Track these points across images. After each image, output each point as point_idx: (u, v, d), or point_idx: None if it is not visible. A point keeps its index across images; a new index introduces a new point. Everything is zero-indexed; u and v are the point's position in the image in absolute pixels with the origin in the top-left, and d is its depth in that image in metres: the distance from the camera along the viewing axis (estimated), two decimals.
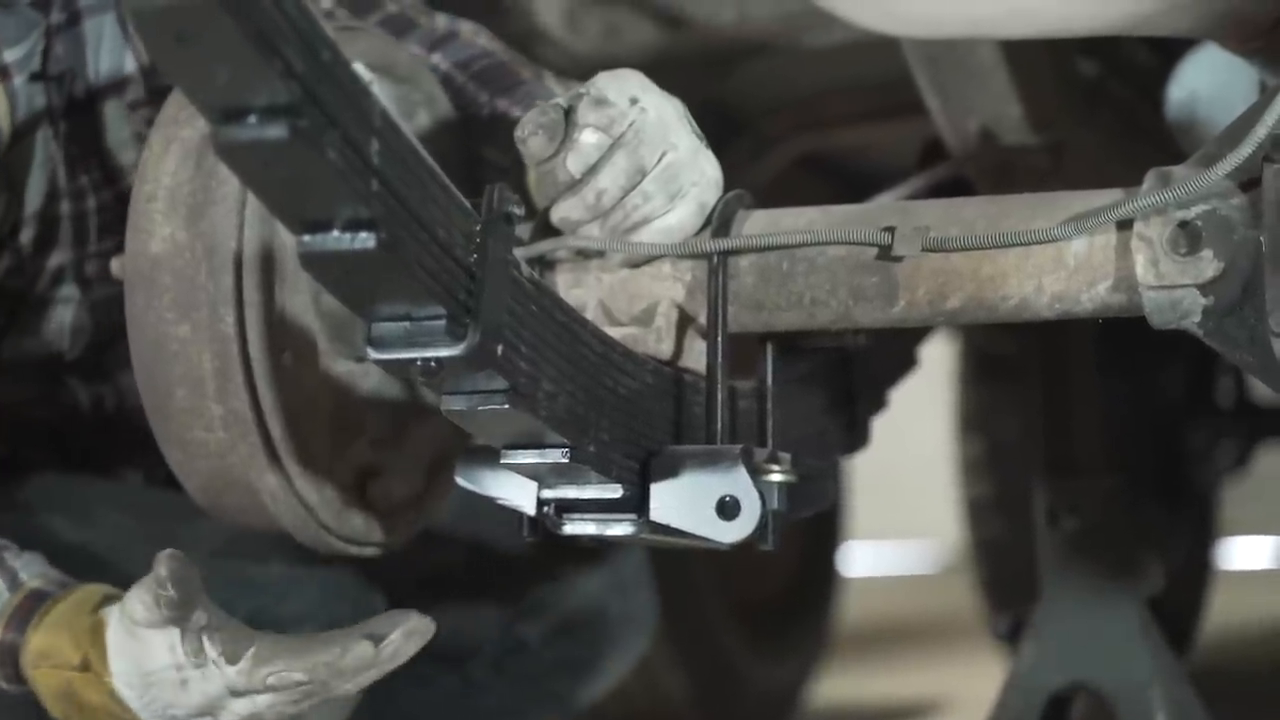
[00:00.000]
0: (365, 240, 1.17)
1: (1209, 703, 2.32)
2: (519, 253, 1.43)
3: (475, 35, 1.86)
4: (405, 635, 1.53)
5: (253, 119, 1.09)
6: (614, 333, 1.56)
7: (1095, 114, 2.22)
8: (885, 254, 1.53)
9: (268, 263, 1.56)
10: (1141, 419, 3.28)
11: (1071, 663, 2.32)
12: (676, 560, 3.08)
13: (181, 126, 1.58)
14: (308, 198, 1.15)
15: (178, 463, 1.60)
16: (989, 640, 3.73)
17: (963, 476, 4.17)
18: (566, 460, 1.40)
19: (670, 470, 1.48)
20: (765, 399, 1.62)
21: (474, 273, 1.28)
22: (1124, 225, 1.47)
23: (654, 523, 1.48)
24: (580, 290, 1.60)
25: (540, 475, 1.46)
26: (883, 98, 2.83)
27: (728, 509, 1.46)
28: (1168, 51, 2.07)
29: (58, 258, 1.83)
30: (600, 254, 1.59)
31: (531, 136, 1.53)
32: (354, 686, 1.55)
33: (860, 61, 2.47)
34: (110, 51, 1.80)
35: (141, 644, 1.55)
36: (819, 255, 1.57)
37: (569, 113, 1.54)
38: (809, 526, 3.75)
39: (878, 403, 1.95)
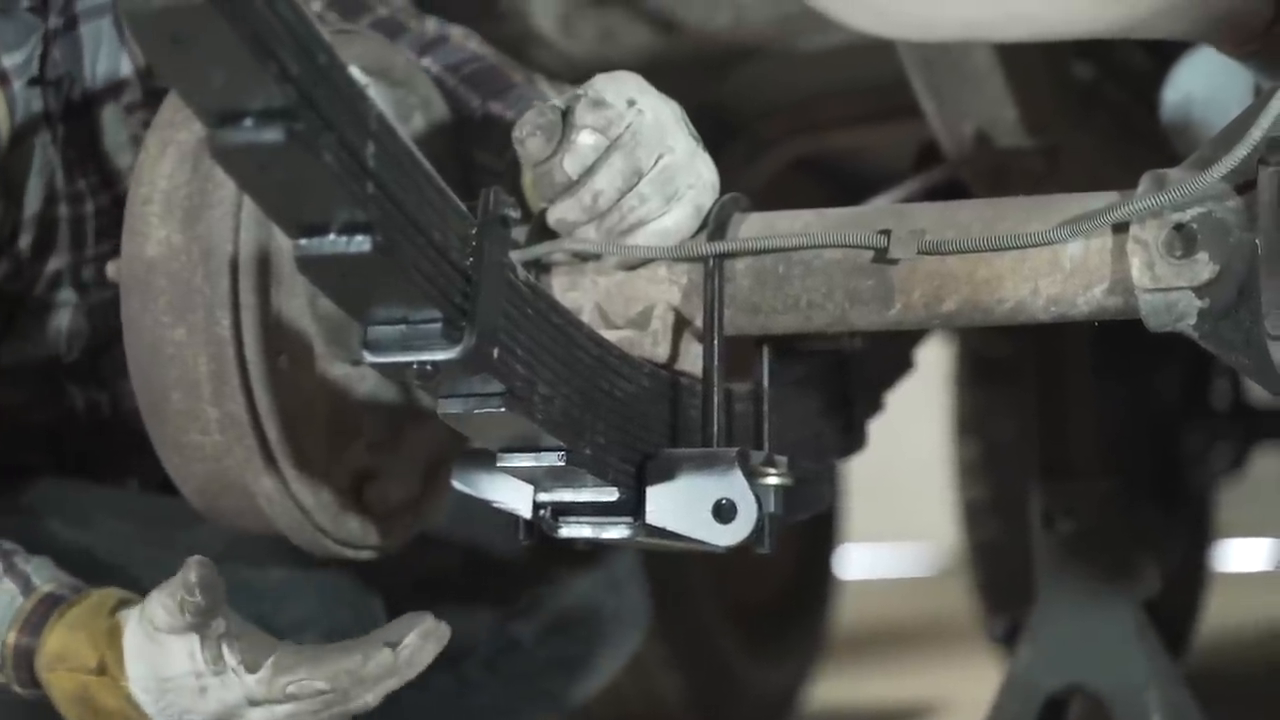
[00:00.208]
0: (361, 243, 1.17)
1: (1205, 705, 2.32)
2: (515, 256, 1.43)
3: (466, 39, 1.86)
4: (421, 637, 1.53)
5: (249, 122, 1.09)
6: (610, 336, 1.56)
7: (1090, 117, 2.22)
8: (881, 257, 1.54)
9: (264, 266, 1.56)
10: (1137, 421, 3.28)
11: (1068, 665, 2.32)
12: (673, 563, 3.08)
13: (177, 129, 1.58)
14: (304, 201, 1.16)
15: (174, 466, 1.60)
16: (985, 643, 3.73)
17: (959, 479, 4.17)
18: (562, 463, 1.40)
19: (666, 473, 1.48)
20: (761, 402, 1.62)
21: (470, 276, 1.28)
22: (1119, 228, 1.47)
23: (650, 526, 1.48)
24: (576, 293, 1.60)
25: (536, 478, 1.46)
26: (878, 101, 2.83)
27: (724, 512, 1.46)
28: (1163, 54, 2.07)
29: (55, 262, 1.83)
30: (596, 257, 1.59)
31: (530, 137, 1.53)
32: (373, 698, 1.55)
33: (855, 64, 2.47)
34: (107, 55, 1.80)
35: (160, 649, 1.55)
36: (815, 258, 1.57)
37: (567, 114, 1.54)
38: (805, 529, 3.75)
39: (874, 405, 1.95)
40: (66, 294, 1.85)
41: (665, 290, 1.60)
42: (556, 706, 2.26)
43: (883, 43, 1.90)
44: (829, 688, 4.11)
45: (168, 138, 1.58)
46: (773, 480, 1.50)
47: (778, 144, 3.08)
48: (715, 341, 1.54)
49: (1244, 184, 1.44)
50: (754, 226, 1.61)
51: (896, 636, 5.35)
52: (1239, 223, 1.44)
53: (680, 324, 1.60)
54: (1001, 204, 1.56)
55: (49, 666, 1.60)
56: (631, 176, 1.54)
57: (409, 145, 1.23)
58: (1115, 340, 2.28)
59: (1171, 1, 1.57)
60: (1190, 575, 3.96)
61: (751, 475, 1.47)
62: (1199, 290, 1.45)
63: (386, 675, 1.53)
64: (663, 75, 1.63)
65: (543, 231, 1.60)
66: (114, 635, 1.58)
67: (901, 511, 6.52)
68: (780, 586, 3.89)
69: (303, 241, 1.18)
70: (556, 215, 1.57)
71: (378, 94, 1.69)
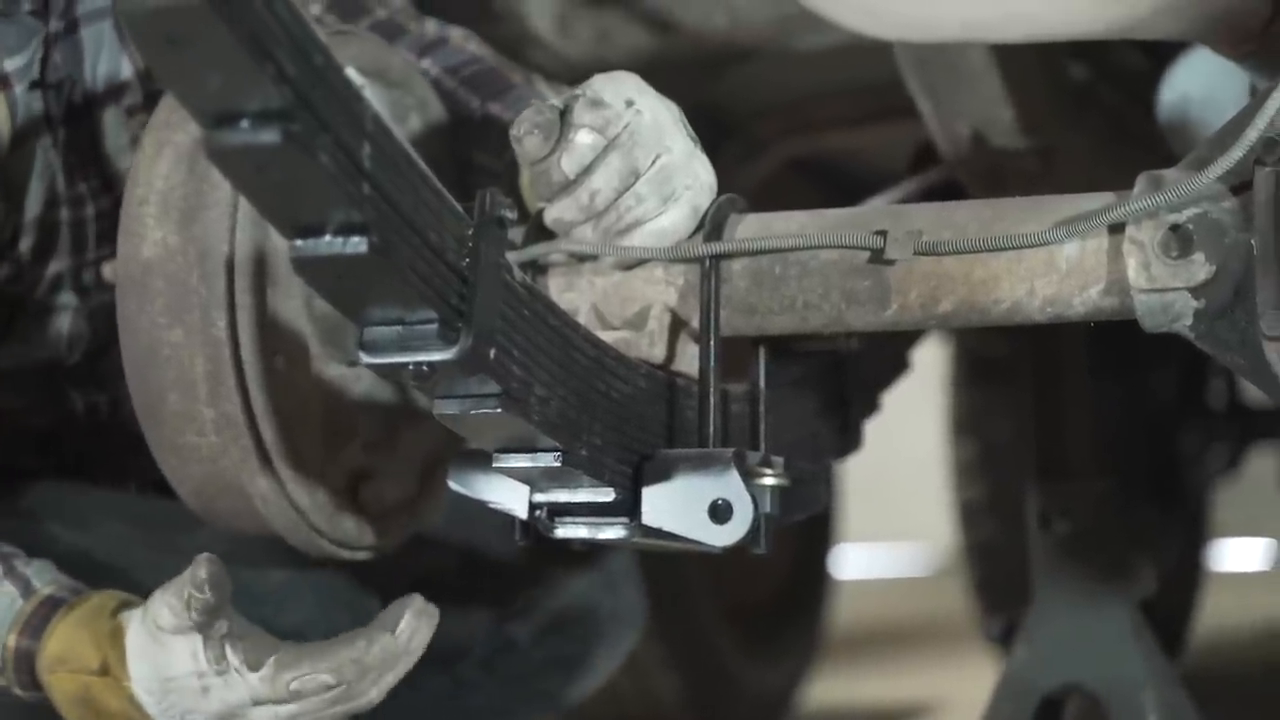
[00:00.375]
0: (357, 244, 1.17)
1: (1201, 704, 2.32)
2: (511, 257, 1.43)
3: (465, 41, 1.86)
4: (416, 617, 1.54)
5: (245, 123, 1.09)
6: (606, 336, 1.56)
7: (1086, 117, 2.22)
8: (877, 258, 1.54)
9: (260, 267, 1.56)
10: (1133, 422, 3.28)
11: (1064, 665, 2.32)
12: (669, 563, 3.09)
13: (174, 130, 1.58)
14: (300, 202, 1.15)
15: (170, 467, 1.60)
16: (981, 643, 3.73)
17: (955, 479, 4.17)
18: (559, 464, 1.40)
19: (663, 474, 1.48)
20: (758, 403, 1.62)
21: (466, 277, 1.28)
22: (1115, 229, 1.47)
23: (646, 526, 1.48)
24: (573, 294, 1.60)
25: (532, 479, 1.46)
26: (874, 101, 2.83)
27: (720, 513, 1.46)
28: (1159, 55, 2.07)
29: (56, 265, 1.82)
30: (593, 257, 1.59)
31: (527, 135, 1.53)
32: (377, 693, 1.56)
33: (851, 65, 2.46)
34: (108, 57, 1.80)
35: (163, 649, 1.55)
36: (811, 259, 1.57)
37: (565, 113, 1.54)
38: (802, 530, 3.75)
39: (870, 406, 1.95)
40: (67, 297, 1.84)
41: (662, 291, 1.60)
42: (553, 706, 2.26)
43: (878, 43, 1.90)
44: (825, 688, 4.11)
45: (164, 139, 1.58)
46: (769, 481, 1.50)
47: (774, 144, 3.08)
48: (711, 342, 1.54)
49: (1240, 184, 1.44)
50: (750, 227, 1.61)
51: (893, 636, 5.35)
52: (1235, 223, 1.44)
53: (677, 325, 1.60)
54: (998, 205, 1.56)
55: (50, 668, 1.60)
56: (629, 176, 1.54)
57: (405, 146, 1.23)
58: (1111, 341, 2.28)
59: (1168, 2, 1.57)
60: (1186, 575, 3.96)
61: (748, 476, 1.47)
62: (1195, 291, 1.45)
63: (390, 662, 1.53)
64: (658, 76, 1.63)
65: (539, 232, 1.60)
66: (116, 636, 1.58)
67: (898, 512, 6.52)
68: (777, 587, 3.89)
69: (299, 242, 1.18)
70: (553, 215, 1.57)
71: (374, 95, 1.69)
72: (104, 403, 1.94)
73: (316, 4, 1.82)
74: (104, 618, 1.59)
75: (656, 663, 3.29)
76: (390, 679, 1.56)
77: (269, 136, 1.09)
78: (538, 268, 1.61)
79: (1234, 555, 5.86)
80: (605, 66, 1.61)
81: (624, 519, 1.48)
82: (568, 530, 1.50)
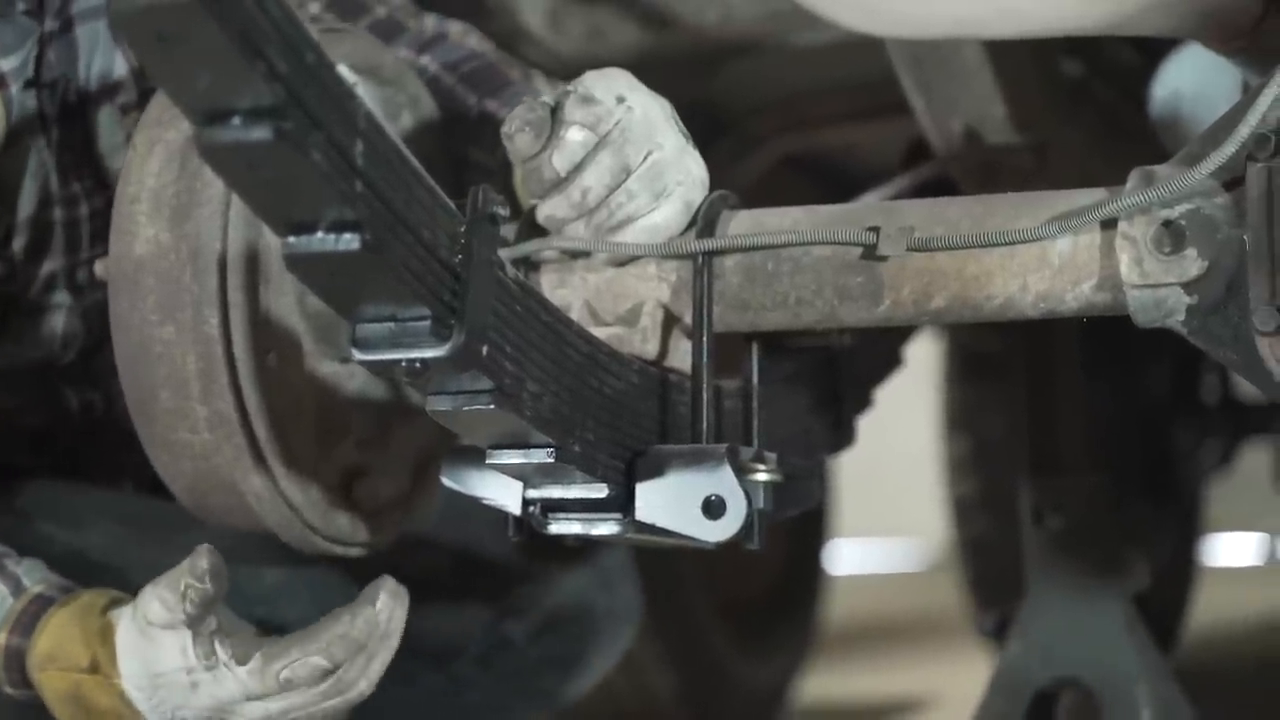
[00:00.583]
0: (350, 242, 1.17)
1: (1194, 699, 2.32)
2: (504, 253, 1.43)
3: (464, 36, 1.86)
4: (391, 596, 1.55)
5: (237, 121, 1.09)
6: (599, 333, 1.56)
7: (1079, 113, 2.23)
8: (870, 254, 1.54)
9: (252, 264, 1.56)
10: (1127, 417, 3.28)
11: (1057, 660, 2.33)
12: (663, 559, 3.08)
13: (165, 128, 1.58)
14: (292, 199, 1.15)
15: (163, 464, 1.60)
16: (975, 638, 3.73)
17: (948, 475, 4.17)
18: (552, 460, 1.40)
19: (656, 470, 1.48)
20: (751, 398, 1.62)
21: (459, 273, 1.28)
22: (1108, 224, 1.47)
23: (640, 522, 1.48)
24: (565, 290, 1.60)
25: (526, 475, 1.46)
26: (867, 98, 2.83)
27: (713, 508, 1.46)
28: (1151, 51, 2.07)
29: (50, 264, 1.82)
30: (585, 254, 1.59)
31: (518, 133, 1.53)
32: (367, 683, 1.56)
33: (845, 61, 2.47)
34: (102, 56, 1.80)
35: (153, 644, 1.55)
36: (804, 255, 1.57)
37: (555, 110, 1.54)
38: (795, 525, 3.75)
39: (863, 402, 1.95)
40: (61, 296, 1.84)
41: (654, 287, 1.60)
42: (550, 704, 2.26)
43: (872, 40, 1.90)
44: (819, 683, 4.11)
45: (155, 136, 1.58)
46: (762, 476, 1.50)
47: (767, 141, 3.08)
48: (704, 338, 1.54)
49: (1232, 180, 1.45)
50: (743, 224, 1.61)
51: (886, 632, 5.35)
52: (1227, 219, 1.44)
53: (669, 321, 1.60)
54: (990, 201, 1.56)
55: (40, 666, 1.60)
56: (620, 173, 1.54)
57: (397, 143, 1.23)
58: (1104, 336, 2.28)
59: None
60: (1179, 570, 3.97)
61: (741, 471, 1.47)
62: (1187, 286, 1.45)
63: (374, 641, 1.53)
64: (651, 72, 1.63)
65: (532, 229, 1.60)
66: (106, 633, 1.58)
67: (891, 507, 6.52)
68: (770, 582, 3.89)
69: (291, 240, 1.18)
70: (545, 212, 1.57)
71: (366, 92, 1.69)
72: (98, 400, 1.94)
73: (315, 2, 1.82)
74: (94, 615, 1.59)
75: (651, 658, 3.29)
76: (377, 666, 1.56)
77: (261, 134, 1.09)
78: (530, 264, 1.61)
79: (1227, 550, 5.86)
80: (597, 63, 1.61)
81: (617, 515, 1.49)
82: (561, 526, 1.50)
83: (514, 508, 1.49)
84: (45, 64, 1.76)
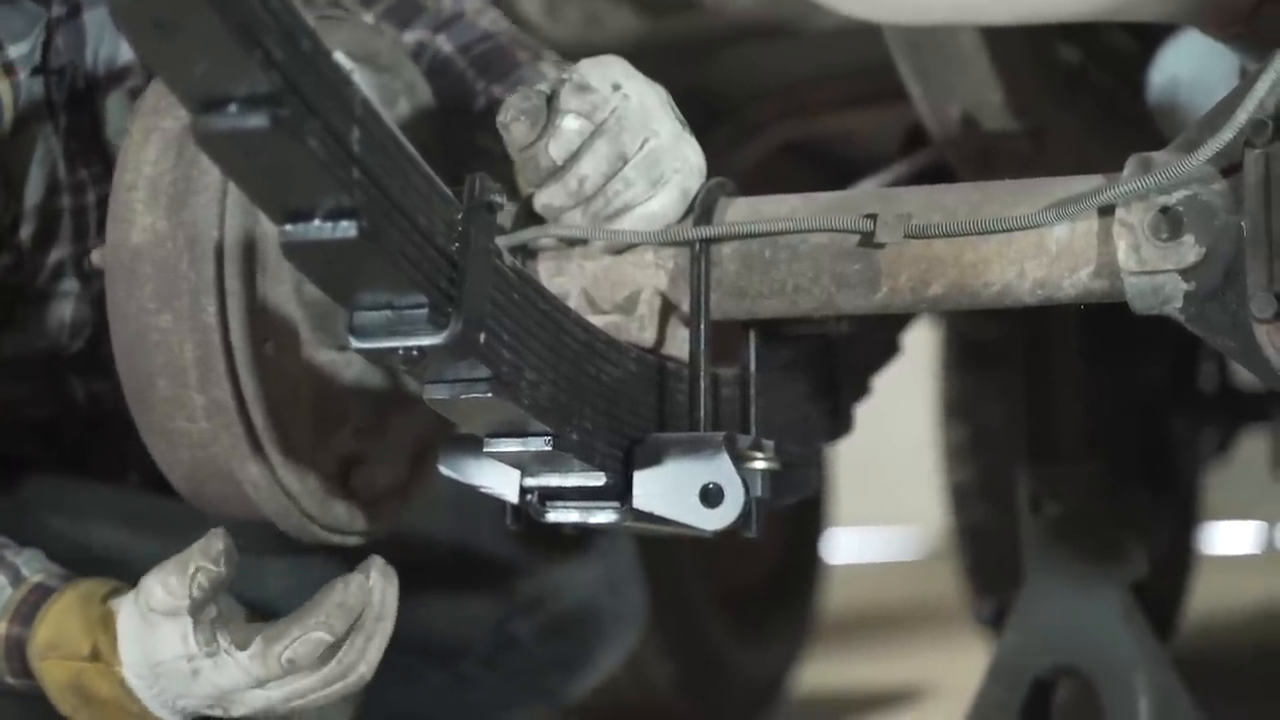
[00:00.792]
0: (347, 229, 1.16)
1: (1192, 686, 2.32)
2: (501, 241, 1.42)
3: (478, 15, 1.85)
4: (381, 574, 1.55)
5: (233, 108, 1.09)
6: (597, 321, 1.56)
7: (1076, 100, 2.22)
8: (868, 241, 1.54)
9: (249, 252, 1.56)
10: (1124, 405, 3.29)
11: (1055, 647, 2.33)
12: (661, 548, 3.08)
13: (162, 116, 1.57)
14: (289, 187, 1.15)
15: (160, 452, 1.60)
16: (973, 626, 3.74)
17: (946, 463, 4.18)
18: (549, 448, 1.40)
19: (654, 458, 1.48)
20: (748, 386, 1.62)
21: (456, 261, 1.27)
22: (1105, 211, 1.47)
23: (637, 510, 1.48)
24: (563, 278, 1.60)
25: (523, 463, 1.46)
26: (865, 84, 2.83)
27: (711, 496, 1.46)
28: (1148, 37, 2.07)
29: (58, 252, 1.82)
30: (583, 242, 1.59)
31: (514, 122, 1.53)
32: (366, 667, 1.55)
33: (842, 48, 2.46)
34: (110, 41, 1.79)
35: (154, 632, 1.54)
36: (801, 242, 1.57)
37: (551, 99, 1.53)
38: (792, 513, 3.75)
39: (861, 389, 1.95)
40: (69, 284, 1.84)
41: (652, 275, 1.59)
42: (552, 703, 2.26)
43: (869, 26, 1.90)
44: (817, 671, 4.12)
45: (152, 124, 1.58)
46: (760, 464, 1.50)
47: (764, 128, 3.08)
48: (702, 326, 1.54)
49: (1229, 166, 1.44)
50: (740, 211, 1.60)
51: (884, 620, 5.36)
52: (1225, 205, 1.44)
53: (667, 309, 1.60)
54: (987, 187, 1.56)
55: (41, 655, 1.59)
56: (616, 161, 1.54)
57: (394, 131, 1.23)
58: (1102, 324, 2.28)
59: None
60: (1177, 558, 3.97)
61: (738, 459, 1.47)
62: (1185, 273, 1.45)
63: (370, 618, 1.53)
64: (648, 59, 1.63)
65: (529, 217, 1.60)
66: (107, 621, 1.57)
67: (889, 495, 6.53)
68: (768, 571, 3.89)
69: (288, 227, 1.17)
70: (542, 200, 1.57)
71: (363, 80, 1.68)
72: (106, 390, 1.93)
73: None
74: (95, 604, 1.59)
75: (648, 647, 3.29)
76: (375, 648, 1.55)
77: (257, 121, 1.09)
78: (527, 252, 1.61)
79: (1225, 538, 5.87)
80: (594, 50, 1.61)
81: (615, 503, 1.49)
82: (559, 514, 1.50)
83: (511, 496, 1.49)
84: (53, 50, 1.75)
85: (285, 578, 1.85)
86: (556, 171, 1.54)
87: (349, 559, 1.77)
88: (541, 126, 1.52)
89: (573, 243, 1.60)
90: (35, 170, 1.77)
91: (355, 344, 1.26)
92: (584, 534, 2.10)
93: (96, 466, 1.98)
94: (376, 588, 1.55)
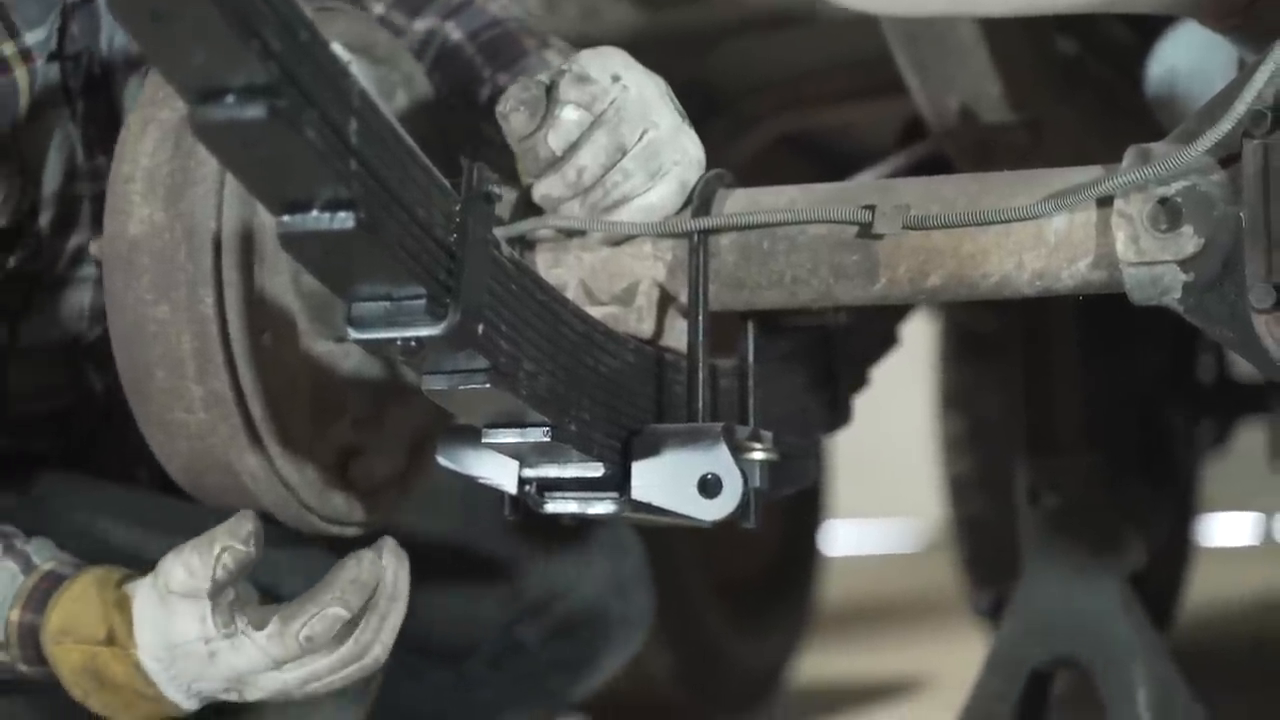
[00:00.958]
0: (344, 220, 1.16)
1: (1190, 678, 2.33)
2: (499, 232, 1.42)
3: (487, 1, 1.85)
4: (393, 554, 1.55)
5: (230, 99, 1.09)
6: (595, 312, 1.56)
7: (1074, 91, 2.22)
8: (866, 232, 1.54)
9: (247, 243, 1.56)
10: (1122, 396, 3.28)
11: (1053, 639, 2.33)
12: (659, 539, 3.08)
13: (159, 107, 1.57)
14: (286, 178, 1.15)
15: (158, 443, 1.60)
16: (971, 617, 3.74)
17: (944, 454, 4.18)
18: (548, 439, 1.40)
19: (652, 449, 1.48)
20: (746, 377, 1.62)
21: (454, 252, 1.27)
22: (1104, 202, 1.47)
23: (636, 501, 1.48)
24: (561, 269, 1.60)
25: (522, 454, 1.46)
26: (863, 76, 2.82)
27: (709, 487, 1.46)
28: (1146, 29, 2.07)
29: (77, 238, 1.81)
30: (581, 233, 1.59)
31: (513, 113, 1.53)
32: (381, 649, 1.55)
33: (840, 40, 2.46)
34: None
35: (171, 614, 1.54)
36: (800, 234, 1.57)
37: (551, 89, 1.53)
38: (791, 505, 3.75)
39: (859, 381, 1.95)
40: (88, 269, 1.83)
41: (650, 266, 1.59)
42: (556, 703, 2.26)
43: (867, 19, 1.90)
44: (815, 663, 4.12)
45: (149, 115, 1.57)
46: (758, 455, 1.51)
47: (763, 120, 3.07)
48: (700, 317, 1.54)
49: (1228, 157, 1.45)
50: (739, 202, 1.60)
51: (882, 612, 5.36)
52: (1223, 196, 1.44)
53: (665, 300, 1.60)
54: (986, 179, 1.56)
55: (55, 640, 1.59)
56: (615, 152, 1.54)
57: (392, 122, 1.23)
58: (1100, 315, 2.28)
59: None
60: (1175, 549, 3.97)
61: (737, 450, 1.47)
62: (1184, 264, 1.45)
63: (384, 596, 1.53)
64: (646, 51, 1.63)
65: (528, 207, 1.60)
66: (123, 605, 1.57)
67: (887, 487, 6.53)
68: (766, 562, 3.89)
69: (286, 218, 1.17)
70: (541, 191, 1.57)
71: (360, 71, 1.68)
72: None
73: None
74: (110, 588, 1.58)
75: (647, 638, 3.29)
76: (390, 628, 1.55)
77: (254, 112, 1.09)
78: (526, 243, 1.61)
79: (1223, 530, 5.88)
80: (592, 42, 1.61)
81: (613, 494, 1.49)
82: (557, 505, 1.50)
83: (510, 487, 1.49)
84: (69, 37, 1.75)
85: (285, 569, 1.85)
86: (555, 162, 1.54)
87: (348, 552, 1.78)
88: (541, 117, 1.52)
89: (571, 234, 1.60)
90: (53, 157, 1.76)
91: (353, 335, 1.26)
92: (591, 536, 2.10)
93: (105, 459, 1.97)
94: (389, 567, 1.54)
